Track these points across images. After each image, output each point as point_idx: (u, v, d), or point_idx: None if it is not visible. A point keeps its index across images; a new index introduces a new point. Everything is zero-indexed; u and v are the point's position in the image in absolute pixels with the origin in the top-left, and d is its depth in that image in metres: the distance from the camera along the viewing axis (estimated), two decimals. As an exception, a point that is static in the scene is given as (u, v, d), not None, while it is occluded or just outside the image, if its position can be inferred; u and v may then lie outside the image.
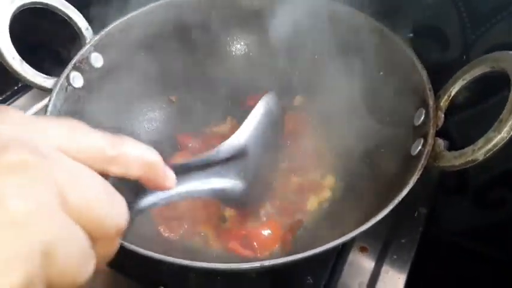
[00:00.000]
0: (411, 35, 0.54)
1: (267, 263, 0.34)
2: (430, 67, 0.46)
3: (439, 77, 0.46)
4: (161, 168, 0.26)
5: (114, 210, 0.22)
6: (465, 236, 0.69)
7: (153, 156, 0.25)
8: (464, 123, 0.58)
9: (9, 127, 0.20)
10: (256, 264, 0.34)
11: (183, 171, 0.33)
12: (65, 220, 0.19)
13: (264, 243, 0.47)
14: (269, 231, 0.47)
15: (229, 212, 0.50)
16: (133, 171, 0.24)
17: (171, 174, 0.27)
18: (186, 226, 0.48)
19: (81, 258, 0.20)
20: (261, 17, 0.55)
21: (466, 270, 0.67)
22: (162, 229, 0.48)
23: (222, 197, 0.40)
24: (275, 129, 0.49)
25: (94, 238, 0.21)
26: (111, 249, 0.23)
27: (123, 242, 0.35)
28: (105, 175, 0.23)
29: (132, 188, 0.27)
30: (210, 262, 0.35)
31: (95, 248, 0.21)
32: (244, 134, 0.43)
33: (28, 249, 0.17)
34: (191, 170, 0.35)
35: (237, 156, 0.41)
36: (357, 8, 0.51)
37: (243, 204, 0.44)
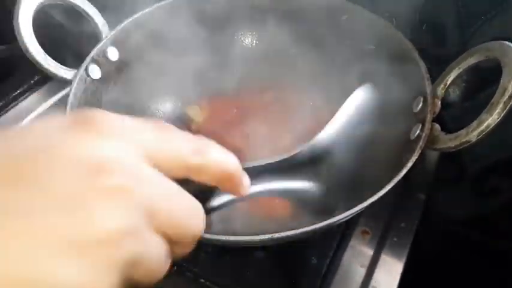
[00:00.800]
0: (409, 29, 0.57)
1: (276, 235, 0.37)
2: (427, 60, 0.50)
3: (436, 69, 0.49)
4: (240, 176, 0.26)
5: (194, 221, 0.23)
6: (462, 224, 0.72)
7: (234, 164, 0.25)
8: (459, 114, 0.61)
9: (99, 139, 0.20)
10: (266, 236, 0.37)
11: (256, 173, 0.32)
12: (151, 237, 0.21)
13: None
14: None
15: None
16: (213, 180, 0.25)
17: (247, 182, 0.27)
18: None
19: (161, 264, 0.22)
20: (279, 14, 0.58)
21: (462, 257, 0.69)
22: None
23: (295, 199, 0.37)
24: (365, 126, 0.46)
25: (172, 243, 0.22)
26: (187, 250, 0.24)
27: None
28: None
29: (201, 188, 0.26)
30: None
31: (172, 249, 0.22)
32: (330, 134, 0.39)
33: (115, 264, 0.19)
34: (265, 172, 0.33)
35: (319, 157, 0.38)
36: (357, 3, 0.54)
37: (319, 209, 0.40)
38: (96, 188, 0.19)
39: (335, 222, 0.38)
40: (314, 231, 0.37)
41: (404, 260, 0.52)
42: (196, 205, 0.23)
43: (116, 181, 0.19)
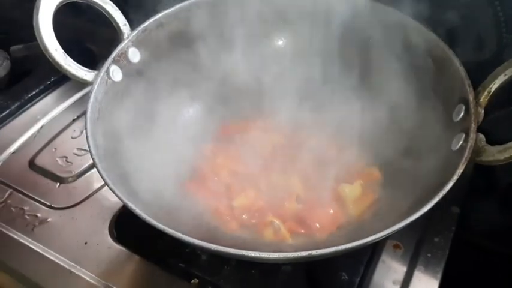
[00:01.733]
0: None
1: (314, 252, 0.34)
2: (463, 65, 0.47)
3: (472, 75, 0.46)
4: None
5: None
6: (494, 238, 0.69)
7: None
8: (501, 120, 0.58)
9: None
10: (304, 253, 0.34)
11: None
12: None
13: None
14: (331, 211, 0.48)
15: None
16: None
17: None
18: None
19: None
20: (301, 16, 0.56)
21: (495, 272, 0.66)
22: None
23: None
24: None
25: None
26: None
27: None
28: None
29: None
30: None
31: None
32: None
33: None
34: None
35: None
36: (394, 7, 0.51)
37: None
38: None
39: (372, 240, 0.36)
40: (354, 248, 0.35)
41: (439, 277, 0.49)
42: None
43: None
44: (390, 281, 0.49)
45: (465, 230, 0.61)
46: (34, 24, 0.48)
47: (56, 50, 0.48)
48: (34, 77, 0.73)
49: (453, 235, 0.54)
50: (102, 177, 0.40)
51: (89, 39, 0.76)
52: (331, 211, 0.48)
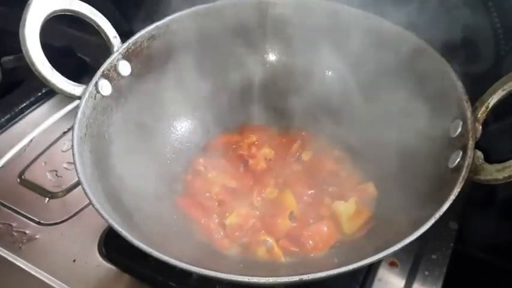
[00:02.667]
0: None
1: (305, 277, 0.33)
2: (460, 78, 0.46)
3: (469, 88, 0.45)
4: None
5: None
6: (493, 252, 0.67)
7: None
8: (498, 135, 0.57)
9: None
10: (295, 278, 0.33)
11: None
12: None
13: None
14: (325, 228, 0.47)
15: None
16: None
17: None
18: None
19: None
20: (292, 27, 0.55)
21: (495, 286, 0.65)
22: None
23: None
24: None
25: None
26: None
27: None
28: None
29: None
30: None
31: None
32: None
33: None
34: None
35: None
36: (390, 20, 0.50)
37: None
38: None
39: (366, 264, 0.35)
40: (347, 272, 0.34)
41: (437, 294, 0.48)
42: None
43: None
44: (387, 301, 0.48)
45: (464, 243, 0.60)
46: (20, 37, 0.46)
47: (42, 64, 0.47)
48: (25, 88, 0.72)
49: (451, 252, 0.52)
50: (88, 197, 0.39)
51: (81, 48, 0.74)
52: (325, 229, 0.47)
